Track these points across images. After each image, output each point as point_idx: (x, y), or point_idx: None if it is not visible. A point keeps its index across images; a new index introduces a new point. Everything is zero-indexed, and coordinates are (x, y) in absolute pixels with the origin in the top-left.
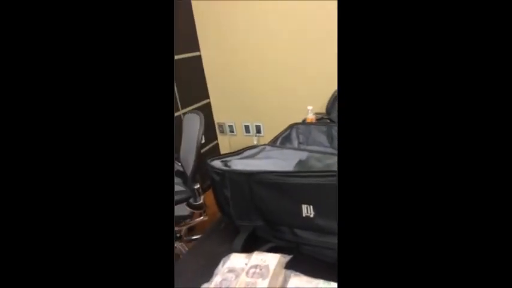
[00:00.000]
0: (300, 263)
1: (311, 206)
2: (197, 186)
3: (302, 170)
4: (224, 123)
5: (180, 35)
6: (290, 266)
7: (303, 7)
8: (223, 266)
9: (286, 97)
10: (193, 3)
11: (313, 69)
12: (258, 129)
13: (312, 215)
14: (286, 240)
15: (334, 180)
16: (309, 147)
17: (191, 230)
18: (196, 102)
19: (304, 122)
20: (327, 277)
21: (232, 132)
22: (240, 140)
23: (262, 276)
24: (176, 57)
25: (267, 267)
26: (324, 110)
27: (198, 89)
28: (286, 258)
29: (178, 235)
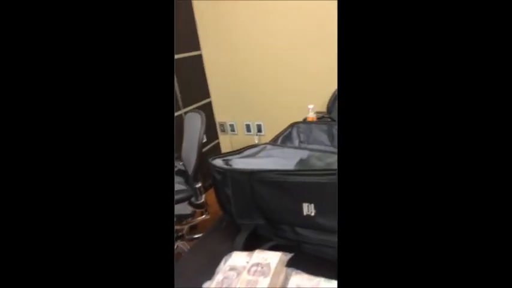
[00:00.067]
0: (301, 261)
1: (312, 205)
2: (199, 185)
3: (303, 169)
4: (225, 123)
5: (181, 34)
6: (291, 264)
7: (304, 6)
8: (224, 264)
9: (287, 96)
10: (194, 3)
11: (314, 68)
12: (259, 128)
13: (312, 214)
14: (287, 239)
15: (335, 178)
16: (310, 146)
17: (193, 229)
18: (198, 102)
19: (305, 121)
20: (328, 275)
21: (233, 131)
22: (241, 139)
23: (264, 274)
24: (177, 56)
25: (268, 265)
26: (324, 109)
27: (199, 88)
28: (288, 256)
29: (180, 234)
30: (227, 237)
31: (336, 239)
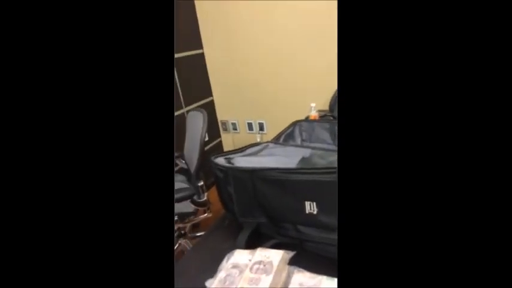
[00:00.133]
0: (303, 259)
1: (314, 203)
2: (201, 183)
3: (305, 167)
4: (227, 121)
5: (183, 33)
6: (293, 262)
7: (306, 5)
8: (227, 262)
9: (289, 94)
10: (196, 2)
11: (316, 66)
12: (261, 127)
13: (315, 212)
14: (289, 237)
15: (337, 177)
16: (312, 145)
17: (195, 227)
18: (200, 100)
19: (307, 119)
20: (330, 273)
21: (236, 129)
22: (243, 137)
23: (266, 272)
24: (179, 55)
25: (270, 263)
26: (327, 107)
27: (201, 87)
28: (290, 254)
29: (182, 232)
30: (229, 235)
31: None
